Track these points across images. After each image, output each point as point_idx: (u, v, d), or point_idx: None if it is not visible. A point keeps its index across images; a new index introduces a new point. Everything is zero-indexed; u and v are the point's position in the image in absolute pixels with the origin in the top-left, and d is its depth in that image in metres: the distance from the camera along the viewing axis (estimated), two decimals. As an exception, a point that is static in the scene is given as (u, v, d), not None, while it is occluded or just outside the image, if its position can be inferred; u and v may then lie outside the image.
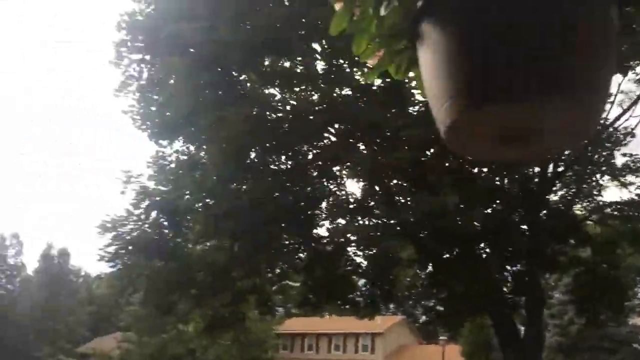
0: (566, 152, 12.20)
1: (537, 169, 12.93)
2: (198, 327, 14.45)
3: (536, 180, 12.96)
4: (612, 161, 13.55)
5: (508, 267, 13.50)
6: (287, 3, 10.76)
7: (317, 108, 11.11)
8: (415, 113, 11.19)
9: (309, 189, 12.45)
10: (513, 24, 1.03)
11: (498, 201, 12.79)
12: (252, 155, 12.11)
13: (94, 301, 62.80)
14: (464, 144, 1.12)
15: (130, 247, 11.95)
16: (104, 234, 11.84)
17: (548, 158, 11.73)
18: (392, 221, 12.39)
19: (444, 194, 10.36)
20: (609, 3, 1.10)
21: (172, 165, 12.33)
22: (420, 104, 11.08)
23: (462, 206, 10.74)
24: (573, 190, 13.87)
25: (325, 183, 12.73)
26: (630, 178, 13.21)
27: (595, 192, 13.83)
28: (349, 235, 12.38)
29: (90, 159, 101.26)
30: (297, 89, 11.92)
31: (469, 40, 1.07)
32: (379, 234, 12.43)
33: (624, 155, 13.21)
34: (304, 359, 46.17)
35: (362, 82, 10.64)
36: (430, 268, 13.92)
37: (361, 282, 13.88)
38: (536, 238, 12.14)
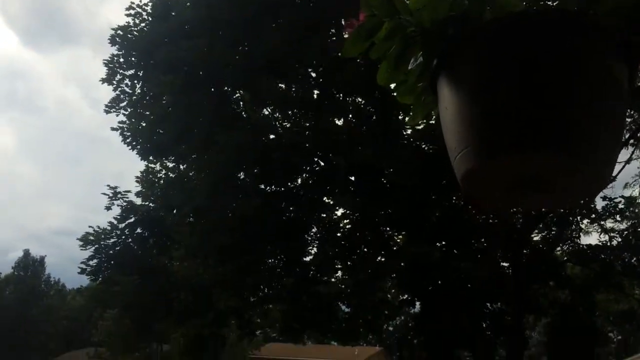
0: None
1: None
2: (178, 347, 14.25)
3: (520, 219, 13.13)
4: (592, 205, 13.74)
5: (490, 307, 13.59)
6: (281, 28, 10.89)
7: (308, 133, 11.22)
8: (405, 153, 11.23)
9: (299, 213, 12.50)
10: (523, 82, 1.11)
11: (483, 241, 12.93)
12: (242, 176, 12.16)
13: (68, 314, 61.50)
14: (480, 192, 1.19)
15: (112, 262, 11.85)
16: (86, 246, 11.74)
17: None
18: (381, 261, 12.47)
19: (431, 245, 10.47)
20: (613, 62, 1.14)
21: (161, 182, 12.32)
22: (411, 140, 11.24)
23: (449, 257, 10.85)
24: (554, 231, 14.04)
25: (315, 211, 12.79)
26: (609, 223, 13.42)
27: (575, 235, 14.00)
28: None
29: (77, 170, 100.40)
30: (290, 112, 12.03)
31: (482, 94, 1.14)
32: (364, 267, 12.47)
33: (604, 199, 13.39)
34: (278, 386, 45.43)
35: (354, 114, 10.78)
36: (416, 308, 13.97)
37: (344, 309, 13.89)
38: (518, 277, 12.24)
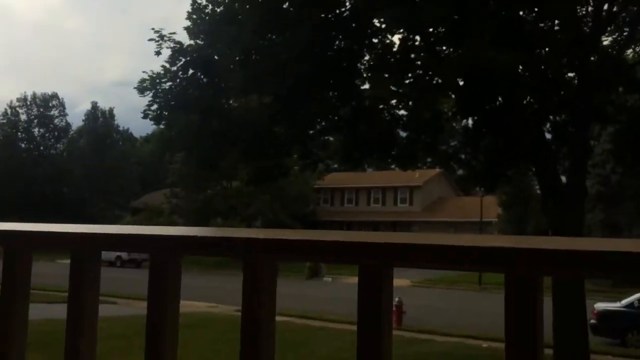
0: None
1: (590, 9, 12.13)
2: (243, 180, 14.91)
3: (589, 21, 12.20)
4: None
5: (551, 117, 13.23)
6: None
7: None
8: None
9: (349, 41, 12.05)
10: None
11: (546, 48, 12.19)
12: (288, 6, 11.64)
13: (140, 160, 65.22)
14: None
15: (171, 105, 12.04)
16: (144, 93, 11.90)
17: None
18: (432, 74, 12.06)
19: (488, 45, 9.84)
20: None
21: (209, 18, 11.95)
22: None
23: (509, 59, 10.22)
24: (626, 33, 13.05)
25: (365, 37, 12.25)
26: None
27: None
28: (391, 87, 12.12)
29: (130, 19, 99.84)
30: None
31: None
32: (420, 88, 12.15)
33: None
34: (343, 212, 48.07)
35: None
36: (470, 121, 13.74)
37: (402, 135, 13.91)
38: (584, 85, 11.69)
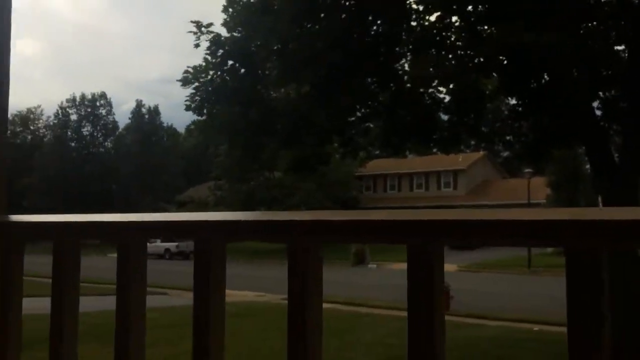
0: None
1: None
2: (284, 169, 14.99)
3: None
4: None
5: (601, 93, 12.76)
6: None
7: None
8: None
9: (386, 26, 11.89)
10: None
11: (594, 22, 11.74)
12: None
13: (184, 154, 66.50)
14: None
15: (212, 97, 12.18)
16: (187, 85, 12.08)
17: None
18: (473, 53, 11.78)
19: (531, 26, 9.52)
20: None
21: (244, 10, 12.01)
22: None
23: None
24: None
25: (404, 20, 12.06)
26: None
27: None
28: (431, 69, 11.91)
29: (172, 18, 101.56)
30: None
31: None
32: (460, 68, 11.90)
33: None
34: (386, 198, 47.81)
35: None
36: (514, 100, 13.39)
37: (444, 118, 13.67)
38: (635, 58, 11.20)
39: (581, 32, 11.58)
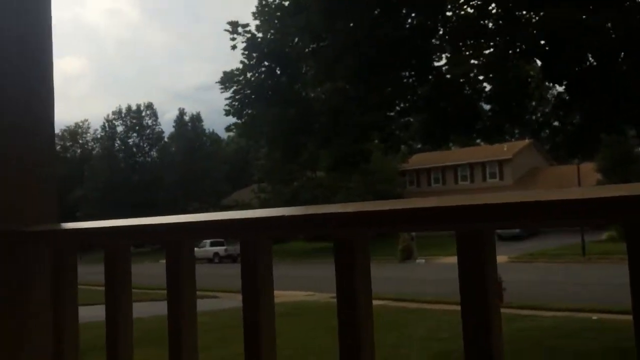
0: None
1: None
2: (326, 166, 14.98)
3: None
4: None
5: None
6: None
7: None
8: None
9: (421, 18, 11.73)
10: None
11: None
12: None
13: (227, 159, 67.39)
14: None
15: (251, 98, 12.30)
16: (226, 88, 12.23)
17: None
18: (512, 40, 11.50)
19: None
20: None
21: (277, 13, 12.08)
22: None
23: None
24: None
25: (438, 11, 11.87)
26: None
27: None
28: (471, 60, 11.70)
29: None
30: None
31: None
32: (499, 56, 11.64)
33: None
34: (431, 192, 47.26)
35: None
36: (559, 87, 13.00)
37: (486, 107, 13.39)
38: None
39: (628, 9, 11.15)
